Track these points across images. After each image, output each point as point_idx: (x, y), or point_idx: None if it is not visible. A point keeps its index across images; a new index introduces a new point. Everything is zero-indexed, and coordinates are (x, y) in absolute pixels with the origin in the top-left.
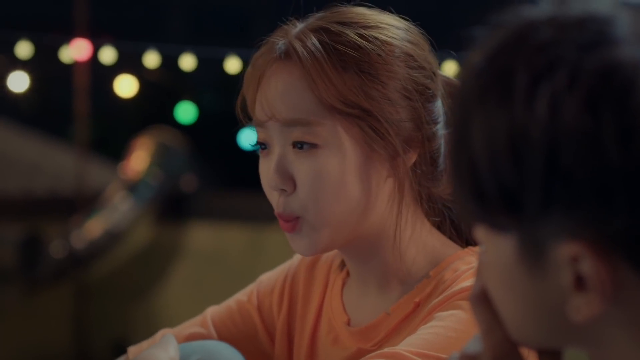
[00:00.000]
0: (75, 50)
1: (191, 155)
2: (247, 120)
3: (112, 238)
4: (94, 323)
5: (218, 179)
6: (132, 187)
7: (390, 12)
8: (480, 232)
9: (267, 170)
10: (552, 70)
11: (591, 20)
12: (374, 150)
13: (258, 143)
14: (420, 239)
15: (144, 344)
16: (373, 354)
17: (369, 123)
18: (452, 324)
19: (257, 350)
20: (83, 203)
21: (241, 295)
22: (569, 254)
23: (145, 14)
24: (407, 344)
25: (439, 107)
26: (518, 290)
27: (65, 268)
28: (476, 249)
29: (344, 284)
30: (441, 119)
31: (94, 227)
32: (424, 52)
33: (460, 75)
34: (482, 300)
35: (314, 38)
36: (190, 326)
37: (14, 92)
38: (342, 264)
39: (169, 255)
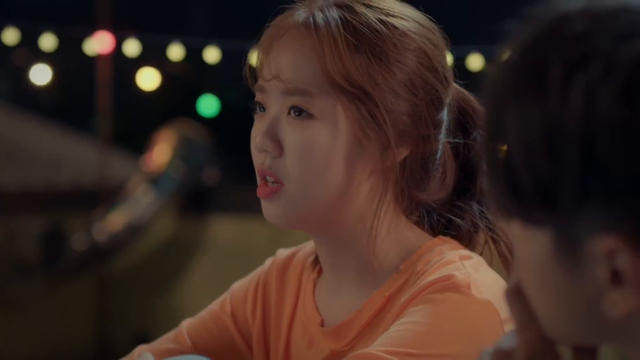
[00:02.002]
0: (98, 43)
1: (214, 148)
2: (253, 83)
3: (134, 231)
4: (115, 316)
5: (240, 172)
6: (155, 180)
7: (419, 10)
8: (514, 228)
9: (257, 132)
10: (586, 62)
11: (625, 11)
12: (367, 136)
13: (255, 103)
14: (395, 234)
15: None
16: (348, 357)
17: (368, 107)
18: (421, 318)
19: (235, 359)
20: (105, 196)
21: (214, 305)
22: (605, 249)
23: (169, 6)
24: (379, 344)
25: (443, 113)
26: (553, 285)
27: (87, 261)
28: (446, 238)
29: (315, 284)
30: (443, 126)
31: (116, 220)
32: (440, 55)
33: (492, 70)
34: (517, 296)
35: (335, 12)
36: (166, 342)
37: (37, 85)
38: (314, 263)
39: (191, 248)
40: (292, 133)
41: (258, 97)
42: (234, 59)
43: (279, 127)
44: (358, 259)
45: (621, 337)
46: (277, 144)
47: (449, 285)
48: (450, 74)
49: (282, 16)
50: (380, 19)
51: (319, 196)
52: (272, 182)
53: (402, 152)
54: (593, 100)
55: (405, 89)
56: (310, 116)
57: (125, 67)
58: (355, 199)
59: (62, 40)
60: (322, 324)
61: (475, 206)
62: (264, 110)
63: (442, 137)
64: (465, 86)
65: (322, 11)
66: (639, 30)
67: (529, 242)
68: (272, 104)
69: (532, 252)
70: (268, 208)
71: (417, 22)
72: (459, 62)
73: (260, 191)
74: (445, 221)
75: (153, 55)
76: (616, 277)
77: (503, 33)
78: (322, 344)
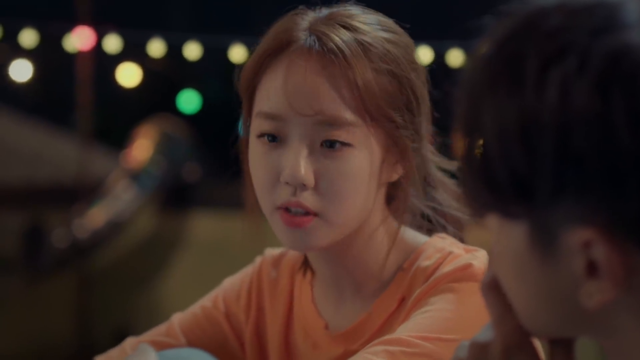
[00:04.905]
0: (79, 39)
1: (194, 144)
2: (249, 106)
3: (114, 227)
4: (96, 312)
5: (221, 168)
6: (135, 176)
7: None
8: (491, 222)
9: (276, 164)
10: (562, 55)
11: (600, 6)
12: (390, 156)
13: (264, 134)
14: (393, 234)
15: (112, 353)
16: (375, 341)
17: (392, 130)
18: (445, 305)
19: (228, 356)
20: (85, 192)
21: (206, 302)
22: (581, 240)
23: (149, 1)
24: (406, 330)
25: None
26: (530, 278)
27: (67, 257)
28: (444, 235)
29: (312, 287)
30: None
31: (97, 216)
32: (420, 60)
33: (468, 64)
34: (493, 289)
35: (347, 34)
36: (158, 335)
37: (17, 81)
38: (302, 267)
39: (172, 244)
40: (330, 163)
41: (268, 125)
42: (214, 54)
43: (312, 158)
44: (362, 273)
45: (596, 329)
46: (312, 175)
47: (468, 275)
48: (428, 82)
49: (280, 37)
50: (384, 37)
51: (353, 221)
52: (303, 213)
53: (411, 163)
54: (568, 93)
55: (415, 107)
56: (348, 145)
57: (105, 63)
58: (371, 216)
59: (42, 36)
60: (326, 328)
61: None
62: (276, 139)
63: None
64: (445, 82)
65: (335, 34)
66: (614, 25)
67: (506, 235)
68: (297, 133)
69: (508, 245)
70: (297, 236)
71: (401, 33)
72: (439, 57)
73: (290, 221)
74: (426, 219)
75: (133, 51)
76: (592, 269)
77: (481, 28)
78: (331, 347)
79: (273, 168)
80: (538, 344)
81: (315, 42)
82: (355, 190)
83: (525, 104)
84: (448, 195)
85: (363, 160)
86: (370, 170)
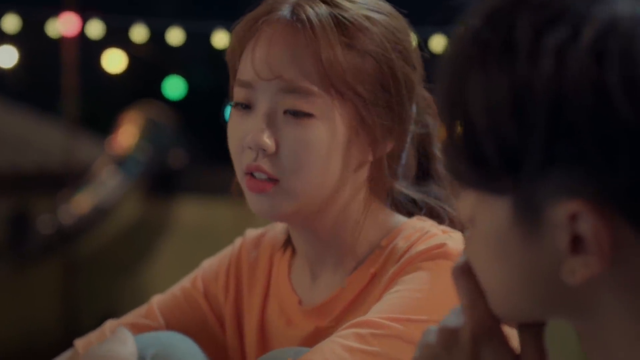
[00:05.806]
0: (64, 25)
1: (180, 130)
2: (234, 78)
3: (100, 213)
4: (82, 298)
5: (206, 154)
6: (121, 162)
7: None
8: (469, 202)
9: (244, 129)
10: (557, 23)
11: None
12: (357, 133)
13: (238, 103)
14: (373, 219)
15: (92, 336)
16: (346, 324)
17: (359, 106)
18: (416, 285)
19: (208, 337)
20: (71, 178)
21: (185, 283)
22: (568, 213)
23: None
24: (376, 311)
25: (414, 106)
26: (510, 257)
27: (53, 243)
28: (423, 217)
29: (289, 265)
30: (413, 117)
31: (82, 202)
32: (414, 49)
33: (452, 40)
34: (465, 273)
35: (323, 7)
36: (137, 317)
37: (2, 67)
38: (285, 245)
39: (157, 230)
40: (290, 131)
41: (242, 93)
42: (198, 40)
43: (274, 125)
44: (339, 248)
45: (574, 309)
46: (273, 141)
47: (441, 253)
48: (420, 67)
49: (258, 11)
50: (365, 15)
51: (314, 192)
52: (265, 179)
53: (388, 146)
54: (563, 62)
55: (392, 86)
56: (309, 115)
57: (90, 49)
58: (342, 193)
59: (26, 22)
60: (299, 304)
61: (434, 188)
62: (248, 108)
63: (412, 127)
64: (428, 68)
65: (310, 5)
66: None
67: (487, 213)
68: (263, 101)
69: (490, 224)
70: (261, 202)
71: (392, 14)
72: (420, 43)
73: (253, 186)
74: (411, 203)
75: (118, 37)
76: (576, 244)
77: (462, 10)
78: (303, 323)
79: (241, 134)
80: (511, 332)
81: (288, 13)
82: (314, 160)
83: (517, 74)
84: (452, 194)
85: (325, 131)
86: (332, 142)
